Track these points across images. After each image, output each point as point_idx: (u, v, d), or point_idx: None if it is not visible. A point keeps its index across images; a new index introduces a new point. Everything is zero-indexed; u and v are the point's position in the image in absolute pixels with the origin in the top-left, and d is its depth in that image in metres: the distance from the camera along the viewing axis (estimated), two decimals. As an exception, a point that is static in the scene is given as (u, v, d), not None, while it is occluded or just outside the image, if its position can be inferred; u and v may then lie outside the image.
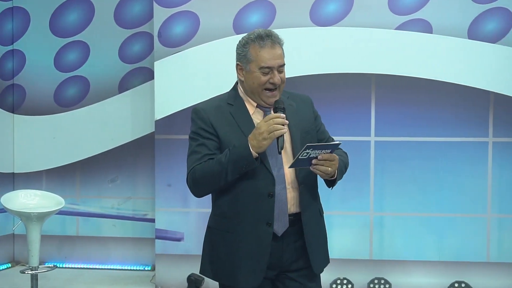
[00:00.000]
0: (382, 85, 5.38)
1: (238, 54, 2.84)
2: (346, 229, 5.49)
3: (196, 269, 5.47)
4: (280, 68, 2.81)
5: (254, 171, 2.74)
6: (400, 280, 5.44)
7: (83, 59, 6.17)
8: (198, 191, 2.85)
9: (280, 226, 2.80)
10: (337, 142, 2.78)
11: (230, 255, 2.82)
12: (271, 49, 2.77)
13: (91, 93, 6.18)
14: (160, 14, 5.52)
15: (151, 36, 5.86)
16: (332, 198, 5.47)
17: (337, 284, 5.40)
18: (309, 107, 3.03)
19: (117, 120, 6.14)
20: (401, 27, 5.34)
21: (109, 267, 6.17)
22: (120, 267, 6.16)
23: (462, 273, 5.38)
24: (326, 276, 5.40)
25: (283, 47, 2.84)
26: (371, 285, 5.40)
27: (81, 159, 6.22)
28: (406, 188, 5.42)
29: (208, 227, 2.94)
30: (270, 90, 2.79)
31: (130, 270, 6.14)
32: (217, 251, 2.87)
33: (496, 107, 5.33)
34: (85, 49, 6.16)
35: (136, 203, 6.18)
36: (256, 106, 2.86)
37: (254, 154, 2.68)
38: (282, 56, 2.82)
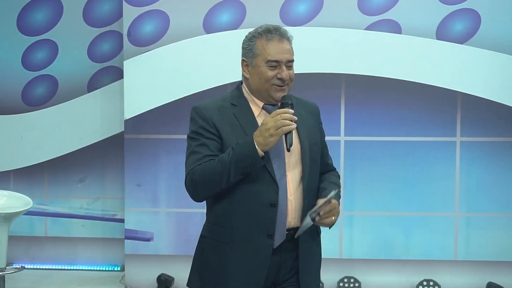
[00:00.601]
0: (352, 85, 5.41)
1: (243, 49, 2.68)
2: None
3: (166, 269, 5.50)
4: (289, 63, 2.64)
5: (256, 176, 2.55)
6: (370, 279, 5.47)
7: (51, 58, 6.10)
8: (197, 194, 2.63)
9: (278, 238, 2.61)
10: (335, 192, 2.60)
11: (223, 266, 2.62)
12: (279, 43, 2.62)
13: (59, 92, 6.11)
14: (130, 12, 5.49)
15: (120, 35, 5.82)
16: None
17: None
18: (317, 117, 2.88)
19: (86, 120, 6.08)
20: (371, 27, 5.37)
21: (78, 267, 6.11)
22: (89, 268, 6.10)
23: (430, 271, 5.43)
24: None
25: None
26: (341, 284, 5.42)
27: (49, 159, 6.14)
28: (376, 187, 5.46)
29: (201, 236, 2.75)
30: (278, 86, 2.64)
31: (99, 270, 6.08)
32: (209, 262, 2.67)
33: (464, 107, 5.39)
34: (53, 48, 6.09)
35: (105, 203, 6.13)
36: (262, 108, 2.68)
37: (260, 152, 2.49)
38: (291, 51, 2.66)
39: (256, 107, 2.68)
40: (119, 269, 6.07)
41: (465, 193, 5.41)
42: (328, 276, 5.44)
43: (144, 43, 5.49)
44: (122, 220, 5.84)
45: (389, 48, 5.34)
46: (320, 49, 5.37)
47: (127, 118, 5.50)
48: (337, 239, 5.49)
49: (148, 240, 5.56)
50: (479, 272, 5.42)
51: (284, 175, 2.61)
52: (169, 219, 5.47)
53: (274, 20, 5.34)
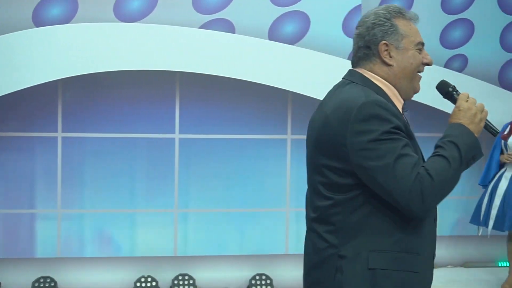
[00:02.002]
0: (186, 83, 5.43)
1: (381, 30, 2.18)
2: (150, 226, 5.48)
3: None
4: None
5: None
6: (204, 275, 5.53)
7: None
8: (435, 201, 2.08)
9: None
10: None
11: None
12: (416, 24, 2.26)
13: None
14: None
15: None
16: (136, 196, 5.45)
17: (141, 283, 5.37)
18: None
19: None
20: (205, 26, 5.42)
21: None
22: None
23: (263, 265, 5.57)
24: (129, 276, 5.38)
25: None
26: (175, 282, 5.42)
27: None
28: (210, 184, 5.52)
29: (373, 270, 2.10)
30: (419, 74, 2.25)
31: None
32: None
33: (294, 105, 5.57)
34: None
35: None
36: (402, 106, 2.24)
37: None
38: None
39: (399, 103, 2.23)
40: None
41: (295, 189, 5.59)
42: (162, 274, 5.44)
43: (-32, 35, 5.20)
44: None
45: (222, 47, 5.40)
46: (154, 47, 5.33)
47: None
48: (172, 237, 5.49)
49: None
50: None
51: None
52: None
53: (108, 15, 5.25)
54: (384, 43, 2.18)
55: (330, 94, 2.29)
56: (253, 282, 5.47)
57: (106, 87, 5.37)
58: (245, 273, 5.53)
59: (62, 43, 5.17)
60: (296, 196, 5.61)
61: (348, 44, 5.49)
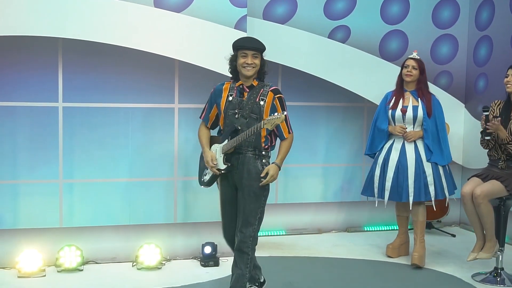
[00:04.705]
0: (69, 50, 5.27)
1: None
2: (35, 198, 5.33)
3: None
4: None
5: None
6: (91, 246, 5.45)
7: None
8: None
9: None
10: None
11: None
12: None
13: None
14: None
15: None
16: (19, 167, 5.28)
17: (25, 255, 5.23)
18: None
19: None
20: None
21: None
22: None
23: (151, 235, 5.56)
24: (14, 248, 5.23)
25: None
26: (62, 253, 5.31)
27: None
28: (96, 154, 5.43)
29: None
30: None
31: None
32: None
33: (181, 74, 5.55)
34: None
35: None
36: None
37: None
38: None
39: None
40: None
41: (183, 159, 5.60)
42: (47, 246, 5.32)
43: None
44: None
45: (107, 13, 5.27)
46: (36, 12, 5.12)
47: None
48: (57, 208, 5.37)
49: None
50: (196, 233, 5.70)
51: None
52: None
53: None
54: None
55: None
56: (141, 251, 5.45)
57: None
58: (133, 243, 5.51)
59: None
60: (184, 165, 5.62)
61: (235, 13, 5.53)
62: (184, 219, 5.66)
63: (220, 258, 5.59)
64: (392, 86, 5.84)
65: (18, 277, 5.12)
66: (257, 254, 4.45)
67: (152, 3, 5.37)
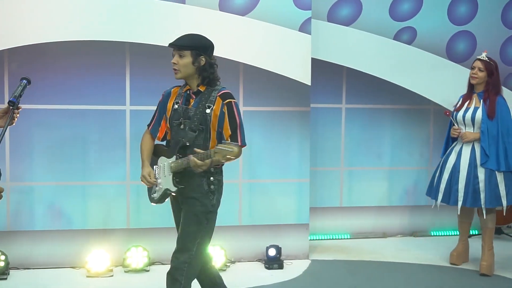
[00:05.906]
0: (136, 54, 5.37)
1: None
2: (103, 199, 5.46)
3: None
4: None
5: None
6: (158, 247, 5.50)
7: None
8: None
9: None
10: None
11: None
12: None
13: None
14: None
15: None
16: (88, 169, 5.43)
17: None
18: None
19: None
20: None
21: None
22: None
23: (215, 236, 5.58)
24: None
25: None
26: (128, 254, 5.40)
27: None
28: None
29: None
30: None
31: None
32: None
33: (245, 77, 5.57)
34: None
35: None
36: None
37: None
38: None
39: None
40: None
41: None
42: (115, 246, 5.42)
43: None
44: None
45: (174, 17, 5.33)
46: (103, 17, 5.23)
47: None
48: (124, 209, 5.48)
49: None
50: (260, 235, 5.71)
51: None
52: None
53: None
54: None
55: None
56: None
57: (53, 57, 5.28)
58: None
59: (8, 13, 5.06)
60: (251, 168, 5.63)
61: (299, 15, 5.52)
62: (249, 221, 5.68)
63: (284, 260, 5.59)
64: (459, 88, 5.73)
65: (87, 276, 5.25)
66: (321, 257, 4.40)
67: (217, 6, 5.41)
